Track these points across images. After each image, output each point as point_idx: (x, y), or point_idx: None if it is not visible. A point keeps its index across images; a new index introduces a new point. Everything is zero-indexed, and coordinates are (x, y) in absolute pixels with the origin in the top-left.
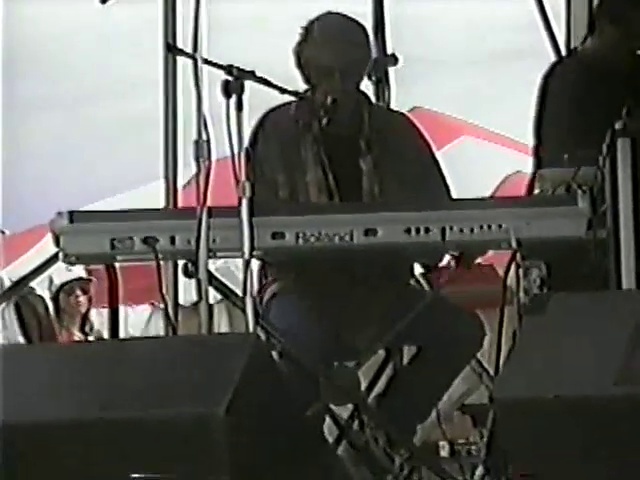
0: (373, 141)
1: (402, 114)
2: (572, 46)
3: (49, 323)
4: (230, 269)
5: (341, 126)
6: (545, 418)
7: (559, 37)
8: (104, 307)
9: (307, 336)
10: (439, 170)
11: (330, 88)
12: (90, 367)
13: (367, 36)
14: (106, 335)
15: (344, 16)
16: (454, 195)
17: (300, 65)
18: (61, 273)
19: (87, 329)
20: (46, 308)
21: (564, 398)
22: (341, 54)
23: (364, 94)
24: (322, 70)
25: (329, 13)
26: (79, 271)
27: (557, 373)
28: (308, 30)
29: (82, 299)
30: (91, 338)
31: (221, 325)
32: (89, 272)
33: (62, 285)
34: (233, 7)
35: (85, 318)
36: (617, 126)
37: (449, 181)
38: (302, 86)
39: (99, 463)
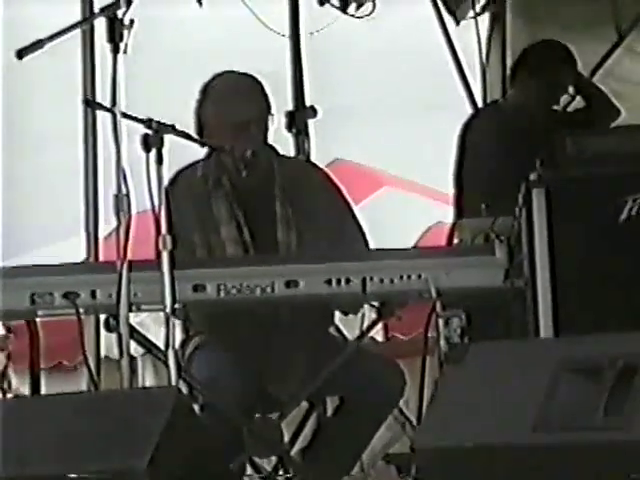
0: (286, 193)
1: (314, 165)
2: (488, 96)
3: None
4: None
5: (254, 179)
6: (465, 466)
7: (474, 88)
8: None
9: (229, 388)
10: (356, 221)
11: (248, 141)
12: (9, 422)
13: (264, 88)
14: (27, 392)
15: (239, 72)
16: (377, 246)
17: (204, 125)
18: None
19: (5, 386)
20: None
21: (483, 446)
22: (253, 106)
23: (272, 147)
24: (237, 125)
25: (224, 72)
26: None
27: (476, 421)
28: (208, 90)
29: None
30: (10, 396)
31: (147, 377)
32: (8, 329)
33: None
34: (151, 61)
35: (2, 375)
36: (532, 177)
37: (370, 233)
38: None
39: None
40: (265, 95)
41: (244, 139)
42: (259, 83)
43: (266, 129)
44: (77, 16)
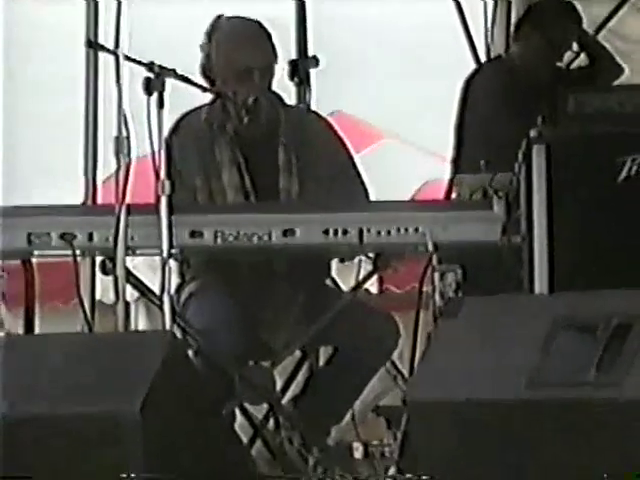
0: (290, 140)
1: (318, 114)
2: (492, 54)
3: None
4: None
5: (257, 126)
6: (456, 420)
7: (479, 46)
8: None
9: (223, 334)
10: (356, 171)
11: (251, 88)
12: (3, 362)
13: (270, 35)
14: (20, 331)
15: (246, 18)
16: (373, 198)
17: (209, 69)
18: None
19: None
20: None
21: (475, 401)
22: (257, 53)
23: (277, 95)
24: (240, 71)
25: (231, 17)
26: None
27: (469, 376)
28: (213, 33)
29: None
30: (1, 334)
31: (139, 322)
32: (1, 269)
33: None
34: (156, 5)
35: None
36: (532, 133)
37: (368, 184)
38: None
39: (16, 460)
40: (271, 42)
41: (248, 85)
42: (265, 30)
43: (271, 76)
44: None
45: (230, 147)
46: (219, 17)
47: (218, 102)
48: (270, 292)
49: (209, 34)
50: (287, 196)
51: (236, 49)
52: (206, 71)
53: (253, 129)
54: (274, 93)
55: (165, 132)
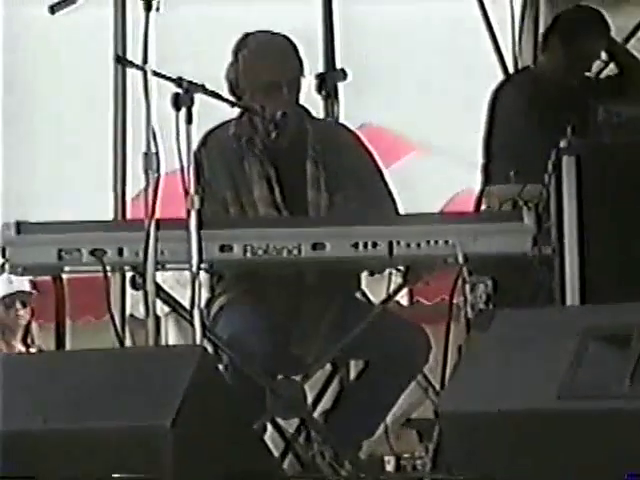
0: (318, 153)
1: (346, 127)
2: (520, 65)
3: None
4: (180, 282)
5: (285, 140)
6: (489, 432)
7: (507, 57)
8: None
9: (255, 348)
10: (385, 184)
11: (279, 102)
12: (37, 378)
13: (297, 49)
14: (52, 348)
15: (272, 32)
16: (403, 211)
17: (236, 86)
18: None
19: (29, 341)
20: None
21: (508, 412)
22: (285, 67)
23: (304, 108)
24: (267, 86)
25: (257, 32)
26: (21, 284)
27: (501, 388)
28: (240, 50)
29: (22, 312)
30: (33, 350)
31: (170, 337)
32: (33, 285)
33: (2, 298)
34: (184, 20)
35: (26, 331)
36: (562, 144)
37: (398, 197)
38: None
39: (46, 475)
40: (298, 56)
41: (275, 100)
42: (292, 44)
43: (298, 90)
44: None
45: (259, 161)
46: (246, 35)
47: (246, 116)
48: (300, 305)
49: (236, 51)
50: (316, 210)
51: (263, 64)
52: (233, 88)
53: (281, 143)
54: (302, 107)
55: (193, 148)
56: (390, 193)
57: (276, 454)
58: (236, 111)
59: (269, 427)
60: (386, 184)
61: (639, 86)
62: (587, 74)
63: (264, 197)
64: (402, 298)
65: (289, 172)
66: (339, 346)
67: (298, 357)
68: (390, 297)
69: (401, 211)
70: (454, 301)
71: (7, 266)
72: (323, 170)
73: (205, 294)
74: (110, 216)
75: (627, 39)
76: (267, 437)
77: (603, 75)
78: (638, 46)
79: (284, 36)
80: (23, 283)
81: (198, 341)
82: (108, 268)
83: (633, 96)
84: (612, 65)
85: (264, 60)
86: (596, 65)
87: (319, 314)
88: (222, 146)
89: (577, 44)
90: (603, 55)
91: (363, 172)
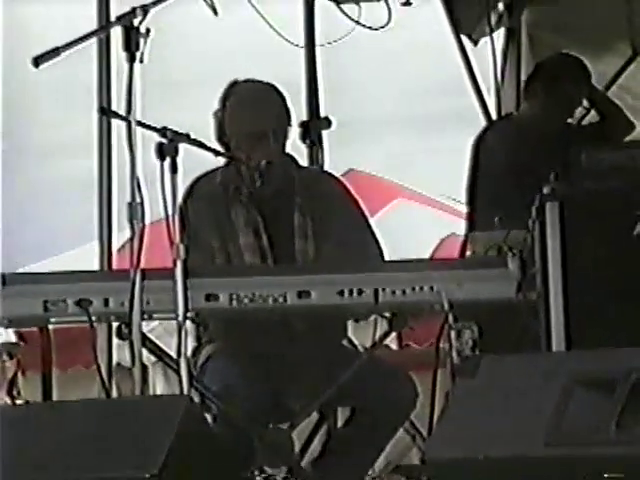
0: (305, 202)
1: (331, 175)
2: (502, 111)
3: None
4: (167, 331)
5: (271, 189)
6: (476, 478)
7: (489, 102)
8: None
9: (242, 397)
10: (371, 231)
11: (265, 151)
12: (20, 429)
13: (284, 98)
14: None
15: (258, 81)
16: (390, 258)
17: (223, 133)
18: None
19: (15, 393)
20: None
21: (494, 458)
22: (271, 116)
23: (291, 156)
24: (253, 135)
25: (245, 80)
26: (8, 336)
27: (488, 434)
28: (228, 98)
29: (9, 364)
30: (19, 402)
31: (157, 386)
32: (20, 336)
33: None
34: (167, 69)
35: (12, 382)
36: (545, 190)
37: (384, 245)
38: None
39: None
40: (285, 105)
41: (261, 149)
42: (279, 93)
43: (284, 139)
44: (93, 20)
45: (246, 209)
46: (234, 83)
47: (232, 165)
48: (287, 353)
49: (223, 99)
50: (303, 258)
51: (250, 113)
52: (221, 136)
53: (268, 191)
54: (288, 155)
55: (179, 197)
56: (376, 240)
57: None
58: (221, 160)
59: (257, 477)
60: (372, 231)
61: (620, 133)
62: (569, 120)
63: (250, 244)
64: (391, 342)
65: (276, 220)
66: (326, 394)
67: (286, 404)
68: (377, 344)
69: (388, 258)
70: (441, 346)
71: None
72: (310, 219)
73: (192, 343)
74: (96, 266)
75: (608, 87)
76: None
77: (585, 122)
78: (619, 94)
79: (271, 85)
80: (9, 334)
81: (185, 390)
82: (94, 318)
83: (614, 142)
84: (593, 112)
85: (250, 109)
86: (578, 111)
87: (306, 362)
88: (209, 194)
89: (559, 91)
90: (585, 102)
91: (350, 221)
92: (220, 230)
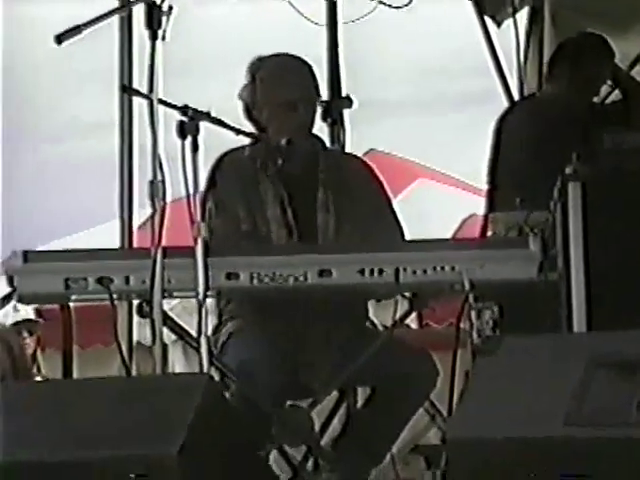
0: (328, 180)
1: (356, 157)
2: (524, 91)
3: (23, 361)
4: (186, 309)
5: (297, 166)
6: (496, 459)
7: (511, 83)
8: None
9: (263, 375)
10: (392, 212)
11: (297, 120)
12: (42, 407)
13: (313, 71)
14: (59, 376)
15: (287, 54)
16: (411, 238)
17: (253, 106)
18: (8, 315)
19: (34, 370)
20: (21, 346)
21: (514, 439)
22: (303, 86)
23: (319, 138)
24: (287, 104)
25: (272, 55)
26: (27, 313)
27: (508, 414)
28: (256, 72)
29: (28, 340)
30: (38, 379)
31: (177, 364)
32: (39, 313)
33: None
34: (189, 48)
35: (32, 359)
36: (568, 170)
37: (406, 226)
38: None
39: None
40: (314, 76)
41: (294, 118)
42: (308, 65)
43: (314, 112)
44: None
45: (273, 184)
46: (261, 58)
47: (260, 143)
48: (308, 332)
49: (252, 73)
50: (324, 233)
51: (281, 83)
52: (250, 108)
53: (294, 168)
54: (316, 137)
55: (200, 175)
56: (398, 223)
57: None
58: (242, 138)
59: (276, 455)
60: (394, 213)
61: None
62: (593, 100)
63: (277, 217)
64: (412, 322)
65: (301, 197)
66: (347, 373)
67: (306, 383)
68: (397, 324)
69: (408, 238)
70: (462, 327)
71: (14, 295)
72: (332, 195)
73: (212, 321)
74: (117, 244)
75: (631, 66)
76: (275, 465)
77: (608, 101)
78: None
79: (300, 58)
80: (29, 311)
81: (205, 369)
82: (115, 296)
83: (637, 122)
84: (617, 91)
85: (283, 79)
86: (603, 89)
87: (327, 341)
88: (237, 166)
89: (584, 70)
90: (608, 81)
91: (372, 201)
92: (247, 200)
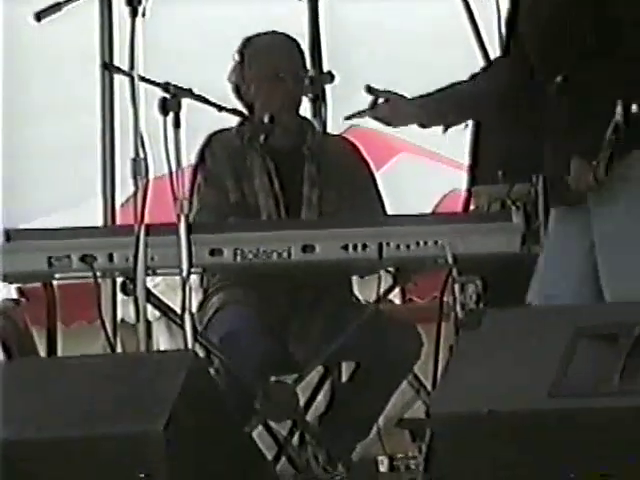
0: (314, 156)
1: (344, 138)
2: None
3: (29, 338)
4: (170, 287)
5: (284, 140)
6: (481, 432)
7: (492, 55)
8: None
9: (249, 348)
10: (377, 189)
11: (285, 92)
12: (26, 385)
13: (300, 46)
14: (43, 354)
15: (273, 31)
16: (394, 214)
17: (242, 81)
18: None
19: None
20: (25, 322)
21: (499, 412)
22: (290, 60)
23: (307, 119)
24: (274, 77)
25: (261, 33)
26: (8, 292)
27: (492, 387)
28: (245, 49)
29: None
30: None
31: (161, 342)
32: (21, 293)
33: None
34: (170, 25)
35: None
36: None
37: (388, 200)
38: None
39: None
40: (301, 52)
41: (282, 89)
42: (295, 40)
43: (302, 87)
44: None
45: (261, 157)
46: (249, 37)
47: (247, 122)
48: (293, 307)
49: (241, 51)
50: (309, 205)
51: (269, 57)
52: (239, 89)
53: (281, 143)
54: (306, 119)
55: (182, 152)
56: (381, 201)
57: (269, 457)
58: (224, 115)
59: (262, 430)
60: (379, 194)
61: None
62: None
63: (264, 187)
64: (395, 297)
65: (288, 170)
66: (332, 347)
67: (292, 355)
68: (380, 298)
69: (392, 213)
70: (445, 300)
71: None
72: (318, 170)
73: (197, 298)
74: (99, 222)
75: None
76: (260, 440)
77: None
78: None
79: (286, 34)
80: (10, 290)
81: (190, 345)
82: (98, 274)
83: None
84: None
85: (270, 54)
86: None
87: (311, 316)
88: (225, 142)
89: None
90: None
91: (357, 176)
92: (235, 172)
